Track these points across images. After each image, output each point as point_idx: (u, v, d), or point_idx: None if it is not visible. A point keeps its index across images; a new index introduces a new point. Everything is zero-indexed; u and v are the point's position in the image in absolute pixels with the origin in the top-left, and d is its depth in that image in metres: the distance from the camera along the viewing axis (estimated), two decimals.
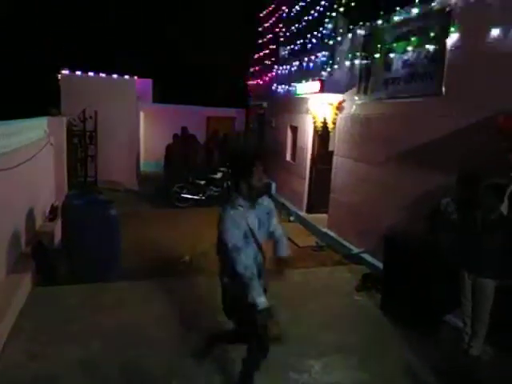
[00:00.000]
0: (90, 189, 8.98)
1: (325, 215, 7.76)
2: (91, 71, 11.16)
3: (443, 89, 4.69)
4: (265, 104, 12.19)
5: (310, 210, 8.78)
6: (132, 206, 8.95)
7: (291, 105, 9.61)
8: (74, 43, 17.27)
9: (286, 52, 10.42)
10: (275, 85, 10.81)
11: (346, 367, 3.58)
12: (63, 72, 10.91)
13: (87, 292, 4.67)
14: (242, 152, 2.68)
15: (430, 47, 4.87)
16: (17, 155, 5.14)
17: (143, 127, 13.70)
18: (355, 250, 6.34)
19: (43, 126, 7.33)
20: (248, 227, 2.63)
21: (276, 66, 10.96)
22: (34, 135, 6.36)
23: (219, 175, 9.80)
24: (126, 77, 11.44)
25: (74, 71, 10.97)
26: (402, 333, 4.12)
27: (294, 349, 3.70)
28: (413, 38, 5.16)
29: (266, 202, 2.83)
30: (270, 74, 11.38)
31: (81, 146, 10.30)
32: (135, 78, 11.63)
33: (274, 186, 11.09)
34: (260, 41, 12.84)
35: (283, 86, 10.01)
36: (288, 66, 9.83)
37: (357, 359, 3.68)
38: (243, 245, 2.60)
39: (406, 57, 5.36)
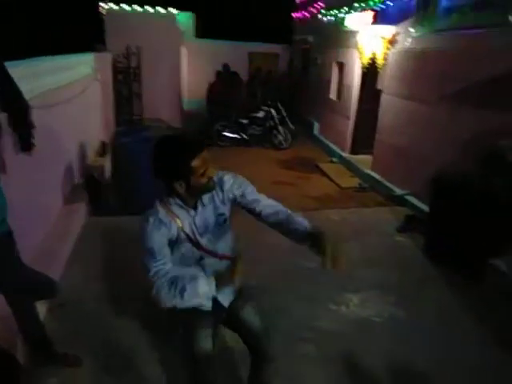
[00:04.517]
0: (137, 125, 9.19)
1: (369, 156, 7.57)
2: (134, 3, 10.85)
3: (510, 17, 4.22)
4: (310, 38, 11.55)
5: (353, 151, 8.59)
6: None
7: (338, 39, 9.06)
8: None
9: None
10: (321, 16, 10.15)
11: (383, 303, 3.66)
12: (107, 6, 10.71)
13: (138, 222, 4.92)
14: (172, 146, 1.89)
15: None
16: (68, 90, 5.29)
17: (186, 64, 13.50)
18: (399, 191, 6.22)
19: (90, 62, 7.41)
20: (183, 233, 2.05)
21: None
22: (82, 71, 6.47)
23: (261, 114, 9.66)
24: (171, 9, 11.06)
25: (117, 4, 10.72)
26: (444, 275, 4.11)
27: (333, 283, 3.81)
28: None
29: (212, 198, 2.09)
30: (316, 4, 10.65)
31: (126, 83, 10.38)
32: (177, 11, 11.25)
33: (316, 125, 10.85)
34: None
35: (330, 17, 9.37)
36: None
37: (394, 297, 3.75)
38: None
39: None
